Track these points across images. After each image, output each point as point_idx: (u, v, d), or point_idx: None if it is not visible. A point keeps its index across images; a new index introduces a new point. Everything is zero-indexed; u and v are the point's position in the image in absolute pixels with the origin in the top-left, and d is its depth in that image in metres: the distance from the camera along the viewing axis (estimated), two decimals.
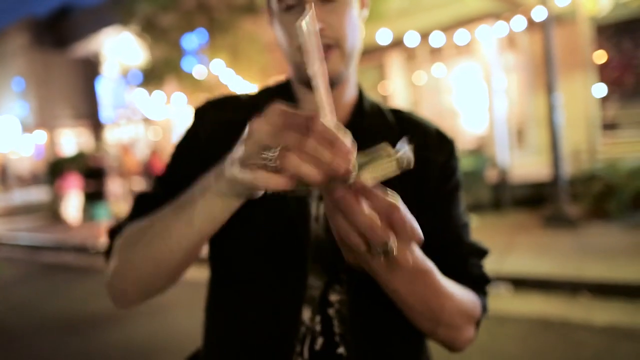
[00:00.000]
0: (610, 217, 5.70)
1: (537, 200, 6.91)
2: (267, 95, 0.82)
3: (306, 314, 0.72)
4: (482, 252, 0.79)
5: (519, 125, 9.00)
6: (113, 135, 18.34)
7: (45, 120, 20.03)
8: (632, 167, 6.01)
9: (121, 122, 17.70)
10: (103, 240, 8.42)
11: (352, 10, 0.73)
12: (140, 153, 15.50)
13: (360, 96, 0.84)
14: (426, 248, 0.60)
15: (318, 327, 0.72)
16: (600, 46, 8.43)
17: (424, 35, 8.59)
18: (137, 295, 0.69)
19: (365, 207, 0.46)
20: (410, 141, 0.79)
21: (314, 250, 0.73)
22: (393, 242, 0.46)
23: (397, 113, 0.86)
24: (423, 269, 0.60)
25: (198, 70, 9.32)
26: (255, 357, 0.72)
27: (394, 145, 0.76)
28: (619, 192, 5.74)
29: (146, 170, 11.44)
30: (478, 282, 0.76)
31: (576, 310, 3.71)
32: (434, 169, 0.78)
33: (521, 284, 4.25)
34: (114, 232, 0.76)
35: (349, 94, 0.81)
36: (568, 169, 6.32)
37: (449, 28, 8.46)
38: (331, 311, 0.72)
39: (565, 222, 5.70)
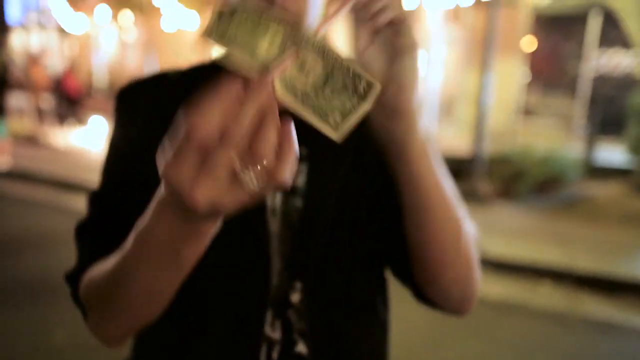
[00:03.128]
0: (516, 198, 6.14)
1: (454, 174, 7.19)
2: (205, 73, 0.68)
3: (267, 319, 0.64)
4: None
5: (449, 98, 9.28)
6: (20, 42, 16.33)
7: None
8: (542, 154, 6.46)
9: (31, 28, 15.75)
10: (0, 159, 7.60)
11: None
12: (52, 67, 14.01)
13: None
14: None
15: (277, 335, 0.64)
16: (534, 34, 8.79)
17: None
18: (131, 333, 0.59)
19: None
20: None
21: (274, 248, 0.64)
22: None
23: None
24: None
25: None
26: None
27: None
28: (526, 176, 6.16)
29: (57, 87, 10.37)
30: None
31: None
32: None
33: None
34: (74, 277, 0.63)
35: None
36: (487, 148, 6.65)
37: None
38: (291, 312, 0.65)
39: (476, 198, 6.04)
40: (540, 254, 4.33)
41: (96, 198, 0.66)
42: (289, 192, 0.64)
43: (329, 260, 0.65)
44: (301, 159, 0.64)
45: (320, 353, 0.65)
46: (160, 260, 0.45)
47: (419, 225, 0.58)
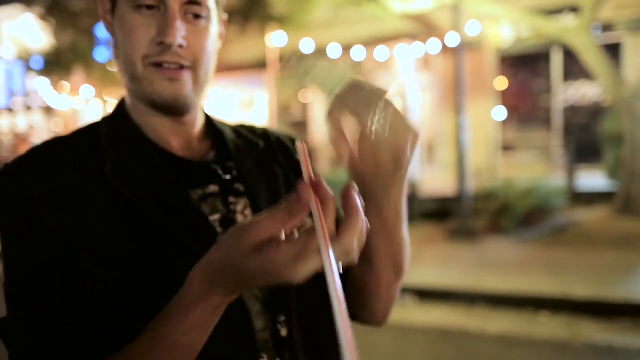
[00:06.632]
0: (505, 232, 6.22)
1: (443, 214, 7.34)
2: (96, 132, 0.72)
3: None
4: None
5: (429, 142, 9.54)
6: (7, 123, 16.60)
7: None
8: (525, 186, 6.62)
9: (17, 110, 16.07)
10: None
11: (214, 35, 0.71)
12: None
13: (207, 117, 0.80)
14: None
15: None
16: (502, 74, 9.23)
17: (346, 48, 8.81)
18: None
19: None
20: (277, 150, 0.81)
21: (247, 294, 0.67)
22: None
23: (243, 127, 0.84)
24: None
25: (110, 62, 8.75)
26: None
27: (262, 163, 0.79)
28: (512, 209, 6.28)
29: None
30: None
31: (473, 320, 3.98)
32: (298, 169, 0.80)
33: (426, 295, 4.47)
34: None
35: (200, 121, 0.77)
36: (472, 186, 6.80)
37: (369, 44, 8.76)
38: (285, 348, 0.67)
39: (467, 235, 6.12)
40: (536, 285, 4.36)
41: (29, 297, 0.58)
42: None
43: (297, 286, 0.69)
44: (239, 194, 0.72)
45: None
46: (209, 326, 0.54)
47: (371, 263, 0.68)
